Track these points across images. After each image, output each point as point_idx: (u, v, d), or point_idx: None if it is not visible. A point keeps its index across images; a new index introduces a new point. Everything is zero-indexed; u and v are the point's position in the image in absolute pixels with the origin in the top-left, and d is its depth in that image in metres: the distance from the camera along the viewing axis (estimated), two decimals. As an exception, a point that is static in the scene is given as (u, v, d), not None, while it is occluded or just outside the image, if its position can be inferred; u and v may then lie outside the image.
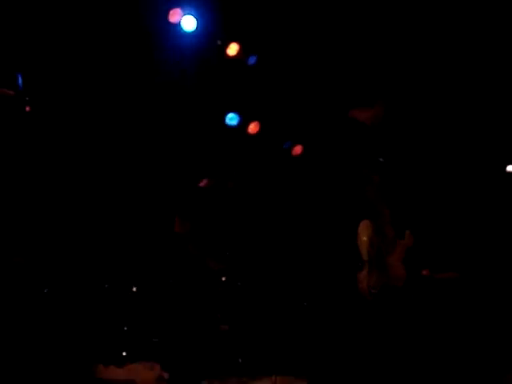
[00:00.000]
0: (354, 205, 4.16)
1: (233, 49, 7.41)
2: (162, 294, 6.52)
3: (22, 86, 4.22)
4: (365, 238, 4.36)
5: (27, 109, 4.33)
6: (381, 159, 7.02)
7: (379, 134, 4.01)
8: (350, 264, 4.22)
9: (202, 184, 5.16)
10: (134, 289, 6.48)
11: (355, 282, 4.59)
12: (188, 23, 6.81)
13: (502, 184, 7.45)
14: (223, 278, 5.64)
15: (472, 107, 7.60)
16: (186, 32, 6.79)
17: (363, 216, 4.24)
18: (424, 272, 6.26)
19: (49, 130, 6.43)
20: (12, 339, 4.52)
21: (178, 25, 6.81)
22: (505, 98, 7.56)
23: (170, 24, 6.80)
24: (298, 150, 8.45)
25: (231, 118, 7.82)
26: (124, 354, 6.08)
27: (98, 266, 6.58)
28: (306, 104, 7.63)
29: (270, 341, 5.23)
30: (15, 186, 5.83)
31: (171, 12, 6.78)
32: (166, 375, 5.75)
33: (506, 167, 7.96)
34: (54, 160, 6.59)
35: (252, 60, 7.59)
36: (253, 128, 8.13)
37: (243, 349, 5.30)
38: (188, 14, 6.83)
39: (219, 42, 7.34)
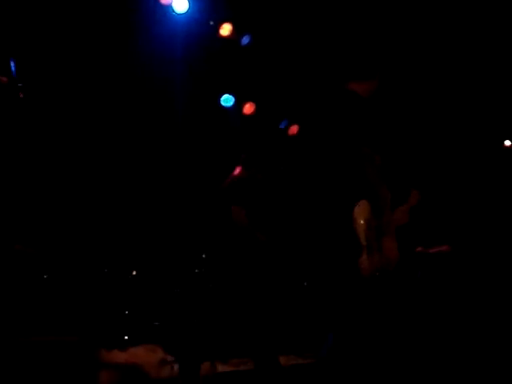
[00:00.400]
0: (353, 186, 3.97)
1: (226, 29, 7.35)
2: (163, 278, 6.53)
3: (15, 72, 4.16)
4: (362, 221, 4.17)
5: (21, 95, 4.27)
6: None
7: (379, 108, 3.86)
8: (348, 249, 4.08)
9: (235, 174, 5.15)
10: (134, 272, 6.48)
11: (355, 267, 4.48)
12: (180, 5, 6.74)
13: (495, 161, 7.45)
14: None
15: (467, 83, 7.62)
16: (178, 13, 6.70)
17: (362, 197, 4.03)
18: (418, 249, 6.27)
19: (43, 116, 6.39)
20: (14, 324, 4.50)
21: (170, 6, 6.73)
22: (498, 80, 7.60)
23: (161, 5, 6.72)
24: (294, 129, 8.44)
25: (226, 100, 7.79)
26: (126, 337, 6.09)
27: (99, 250, 6.57)
28: (301, 81, 7.60)
29: (272, 322, 5.23)
30: (12, 173, 5.81)
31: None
32: (169, 358, 5.76)
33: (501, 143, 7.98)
34: (52, 148, 6.57)
35: (246, 40, 7.54)
36: (248, 108, 8.11)
37: (247, 329, 5.29)
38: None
39: (212, 23, 7.29)
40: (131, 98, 6.93)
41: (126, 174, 7.02)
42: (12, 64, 4.17)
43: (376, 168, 3.77)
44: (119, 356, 5.58)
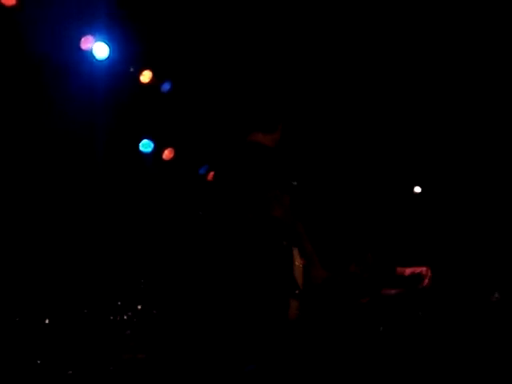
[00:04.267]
0: (267, 228, 4.01)
1: (146, 76, 7.43)
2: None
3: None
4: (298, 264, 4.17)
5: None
6: (294, 183, 7.16)
7: (285, 155, 3.99)
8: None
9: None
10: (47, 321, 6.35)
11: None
12: (100, 50, 6.76)
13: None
14: None
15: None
16: (98, 59, 6.72)
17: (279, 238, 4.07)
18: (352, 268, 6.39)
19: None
20: None
21: (90, 52, 6.74)
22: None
23: (81, 51, 6.73)
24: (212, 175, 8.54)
25: (145, 145, 7.81)
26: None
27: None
28: (217, 129, 7.74)
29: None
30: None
31: (83, 39, 6.72)
32: None
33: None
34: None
35: (166, 87, 7.63)
36: (167, 154, 8.16)
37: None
38: (100, 41, 6.78)
39: (132, 69, 7.35)
40: (50, 145, 6.87)
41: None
42: None
43: (286, 208, 3.81)
44: None
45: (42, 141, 6.76)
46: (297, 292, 3.86)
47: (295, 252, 3.90)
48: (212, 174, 8.33)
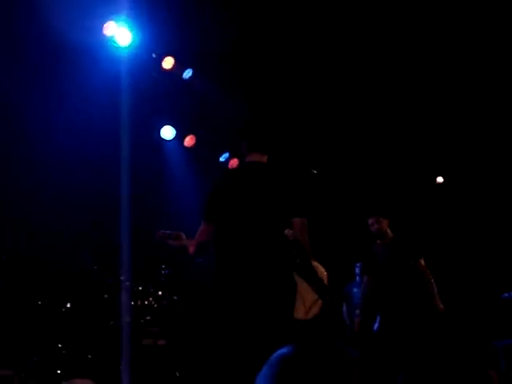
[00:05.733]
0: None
1: (168, 62, 7.40)
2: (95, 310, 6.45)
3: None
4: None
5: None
6: (314, 171, 7.16)
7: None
8: None
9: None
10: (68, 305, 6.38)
11: None
12: (123, 37, 6.72)
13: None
14: None
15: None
16: (120, 46, 6.69)
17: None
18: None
19: None
20: None
21: (113, 38, 6.72)
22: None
23: (104, 37, 6.71)
24: (234, 162, 8.53)
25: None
26: (59, 371, 5.98)
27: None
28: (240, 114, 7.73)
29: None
30: None
31: (105, 25, 6.70)
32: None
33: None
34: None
35: (188, 73, 7.61)
36: (188, 141, 8.15)
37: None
38: (123, 27, 6.75)
39: (154, 56, 7.33)
40: (75, 130, 6.89)
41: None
42: None
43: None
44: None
45: (64, 125, 6.78)
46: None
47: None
48: (234, 161, 8.33)
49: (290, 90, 7.82)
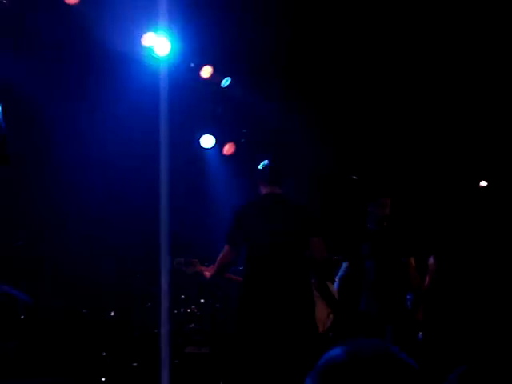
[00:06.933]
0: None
1: (206, 71, 7.45)
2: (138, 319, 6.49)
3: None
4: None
5: None
6: (354, 177, 7.12)
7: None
8: None
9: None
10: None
11: None
12: (162, 47, 6.76)
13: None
14: None
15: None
16: (159, 56, 6.74)
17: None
18: None
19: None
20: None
21: (151, 49, 6.78)
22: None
23: (143, 48, 6.78)
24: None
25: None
26: (103, 379, 6.04)
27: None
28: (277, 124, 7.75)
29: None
30: None
31: (144, 36, 6.77)
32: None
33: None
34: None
35: (226, 82, 7.64)
36: (228, 149, 8.19)
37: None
38: (162, 37, 6.80)
39: (192, 65, 7.38)
40: (114, 142, 6.97)
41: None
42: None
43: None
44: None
45: (103, 136, 6.88)
46: None
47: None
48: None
49: (329, 94, 7.80)
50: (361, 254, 5.87)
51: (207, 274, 4.89)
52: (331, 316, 5.61)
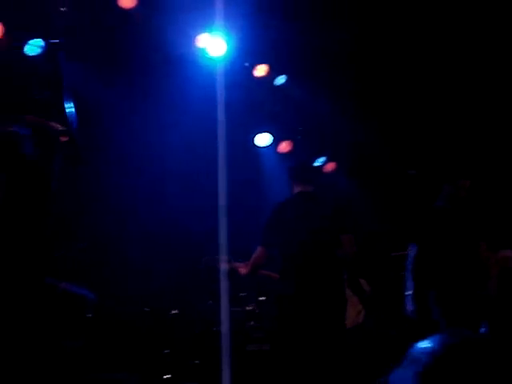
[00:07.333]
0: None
1: (261, 70, 7.46)
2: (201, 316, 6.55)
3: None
4: None
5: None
6: (412, 171, 7.00)
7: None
8: None
9: None
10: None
11: None
12: (217, 48, 6.78)
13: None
14: None
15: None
16: (214, 57, 6.77)
17: None
18: None
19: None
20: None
21: (205, 50, 6.83)
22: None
23: (198, 49, 6.84)
24: (330, 166, 8.51)
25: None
26: (167, 377, 6.12)
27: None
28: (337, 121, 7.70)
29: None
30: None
31: (198, 37, 6.82)
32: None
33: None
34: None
35: (281, 80, 7.64)
36: (284, 147, 8.20)
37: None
38: (216, 38, 6.83)
39: (247, 64, 7.41)
40: (171, 143, 7.06)
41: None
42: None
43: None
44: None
45: (160, 138, 6.98)
46: None
47: None
48: (330, 165, 8.33)
49: (387, 88, 7.71)
50: (431, 235, 5.59)
51: (242, 270, 5.02)
52: (363, 312, 5.63)
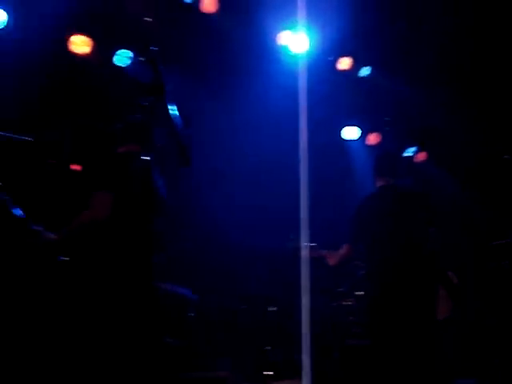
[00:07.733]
0: None
1: (344, 63, 7.40)
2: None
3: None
4: None
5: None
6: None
7: None
8: None
9: None
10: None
11: None
12: (299, 44, 6.77)
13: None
14: None
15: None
16: (296, 53, 6.78)
17: None
18: None
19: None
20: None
21: (287, 47, 6.85)
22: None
23: (278, 46, 6.86)
24: (422, 156, 8.37)
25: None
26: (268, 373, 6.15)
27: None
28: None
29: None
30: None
31: (279, 35, 6.85)
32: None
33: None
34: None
35: (365, 71, 7.55)
36: (373, 139, 8.11)
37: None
38: (300, 34, 6.82)
39: (330, 58, 7.37)
40: (255, 140, 7.12)
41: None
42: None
43: None
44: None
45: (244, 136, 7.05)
46: None
47: None
48: (421, 154, 8.19)
49: (475, 75, 7.51)
50: None
51: (332, 261, 4.96)
52: (450, 305, 5.50)
